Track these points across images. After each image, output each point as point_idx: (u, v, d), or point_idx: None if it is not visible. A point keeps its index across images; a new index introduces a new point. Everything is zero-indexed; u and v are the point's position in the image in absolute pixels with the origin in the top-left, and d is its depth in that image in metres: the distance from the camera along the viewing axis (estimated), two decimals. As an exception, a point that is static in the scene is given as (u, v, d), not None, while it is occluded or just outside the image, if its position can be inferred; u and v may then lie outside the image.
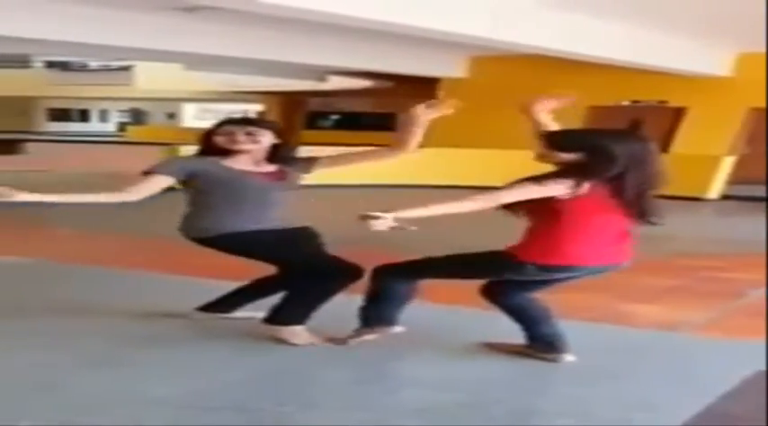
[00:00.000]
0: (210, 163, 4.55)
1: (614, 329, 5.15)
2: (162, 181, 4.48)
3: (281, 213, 4.59)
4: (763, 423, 3.58)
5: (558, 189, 3.89)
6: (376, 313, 4.41)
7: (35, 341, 4.50)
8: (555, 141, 4.11)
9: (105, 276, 6.39)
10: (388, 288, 4.35)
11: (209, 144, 4.60)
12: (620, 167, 3.90)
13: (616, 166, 3.89)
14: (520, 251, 4.06)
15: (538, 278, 4.15)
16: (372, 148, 5.06)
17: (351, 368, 4.17)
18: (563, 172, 3.96)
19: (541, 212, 3.98)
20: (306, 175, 4.76)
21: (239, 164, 4.54)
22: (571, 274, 4.15)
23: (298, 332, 4.50)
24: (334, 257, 4.57)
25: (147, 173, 4.49)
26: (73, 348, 4.39)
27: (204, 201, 4.55)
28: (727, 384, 3.98)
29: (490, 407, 3.66)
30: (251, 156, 4.56)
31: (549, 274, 4.12)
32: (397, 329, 4.47)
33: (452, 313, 5.28)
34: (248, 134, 4.53)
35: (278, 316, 4.55)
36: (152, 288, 5.95)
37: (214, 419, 3.46)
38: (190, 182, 4.55)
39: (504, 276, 4.24)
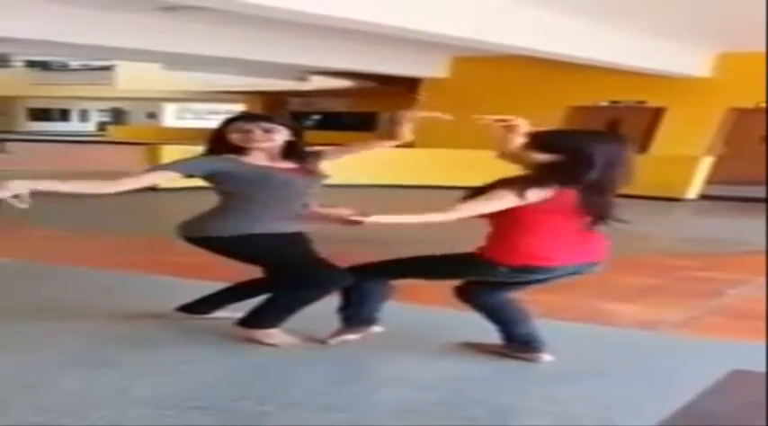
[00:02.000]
0: (227, 160, 4.45)
1: (593, 328, 5.17)
2: (166, 175, 4.51)
3: (307, 209, 4.45)
4: (740, 422, 3.62)
5: (539, 195, 3.88)
6: (355, 313, 4.43)
7: (16, 342, 4.49)
8: (540, 141, 4.02)
9: (86, 276, 6.38)
10: (364, 288, 4.37)
11: (222, 141, 4.50)
12: (597, 170, 3.88)
13: (595, 170, 3.87)
14: (491, 252, 4.06)
15: (510, 280, 4.17)
16: (367, 139, 5.09)
17: (331, 367, 4.18)
18: (540, 176, 3.92)
19: (505, 214, 3.94)
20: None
21: (257, 161, 4.48)
22: (545, 275, 4.15)
23: (271, 334, 4.50)
24: (325, 262, 4.52)
25: (156, 169, 4.55)
26: (54, 348, 4.39)
27: (226, 201, 4.51)
28: (705, 383, 4.01)
29: (469, 407, 3.68)
30: (267, 154, 4.50)
31: (521, 276, 4.12)
32: (377, 329, 4.49)
33: (431, 313, 5.30)
34: (265, 131, 4.48)
35: (252, 320, 4.54)
36: (133, 288, 5.93)
37: (195, 418, 3.46)
38: (209, 180, 4.50)
39: (477, 277, 4.26)
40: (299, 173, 4.53)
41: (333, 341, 4.45)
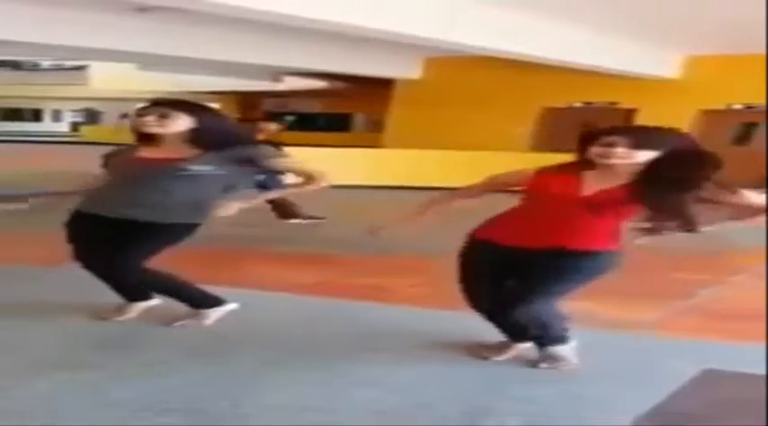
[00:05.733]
0: (113, 156, 4.69)
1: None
2: None
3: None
4: (712, 421, 3.65)
5: None
6: None
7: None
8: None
9: (56, 276, 6.34)
10: None
11: (134, 131, 4.64)
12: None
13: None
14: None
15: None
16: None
17: (305, 369, 4.19)
18: None
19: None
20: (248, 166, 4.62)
21: (149, 150, 4.52)
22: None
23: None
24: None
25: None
26: (25, 350, 4.37)
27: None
28: (677, 382, 4.05)
29: (443, 407, 3.70)
30: (165, 141, 4.51)
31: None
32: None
33: (407, 313, 5.32)
34: (161, 117, 4.47)
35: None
36: (103, 289, 5.90)
37: (169, 420, 3.46)
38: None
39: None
40: (164, 162, 4.49)
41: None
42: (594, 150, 3.86)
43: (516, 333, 4.34)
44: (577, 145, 3.99)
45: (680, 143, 3.93)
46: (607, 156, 3.82)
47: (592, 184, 3.90)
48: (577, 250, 3.95)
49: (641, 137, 3.87)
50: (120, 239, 4.52)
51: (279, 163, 4.68)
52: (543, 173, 4.04)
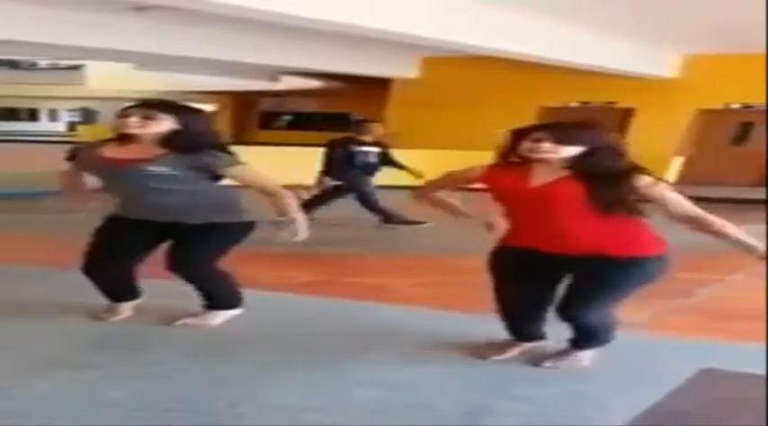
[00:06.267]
0: (86, 152, 4.75)
1: (563, 327, 5.19)
2: None
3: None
4: (709, 421, 3.66)
5: None
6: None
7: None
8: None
9: (56, 277, 6.33)
10: None
11: (116, 131, 4.63)
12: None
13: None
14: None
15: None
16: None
17: (304, 368, 4.19)
18: None
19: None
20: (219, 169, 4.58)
21: (124, 151, 4.53)
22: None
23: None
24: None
25: None
26: (24, 350, 4.36)
27: None
28: (674, 381, 4.05)
29: (443, 407, 3.70)
30: (138, 141, 4.51)
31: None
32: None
33: (407, 313, 5.32)
34: (144, 118, 4.45)
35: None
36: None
37: (168, 420, 3.46)
38: None
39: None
40: (139, 163, 4.48)
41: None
42: (525, 145, 4.04)
43: (527, 333, 4.43)
44: (509, 140, 4.16)
45: (602, 139, 4.09)
46: (535, 151, 3.99)
47: (537, 179, 4.03)
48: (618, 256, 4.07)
49: (565, 133, 4.04)
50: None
51: (235, 172, 4.59)
52: (494, 168, 4.19)
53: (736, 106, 18.77)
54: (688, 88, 18.17)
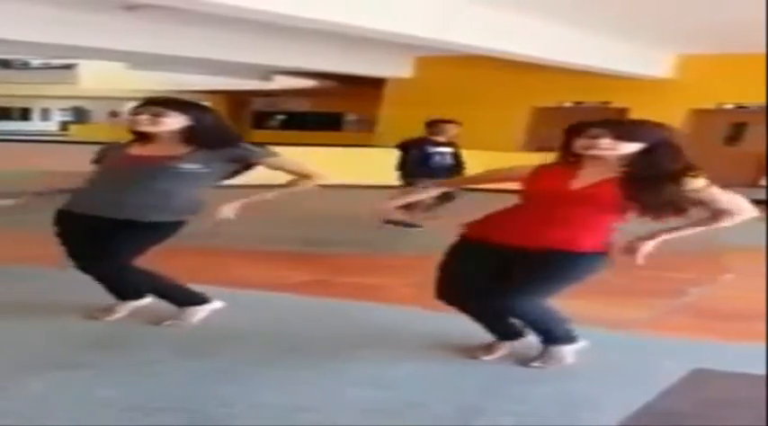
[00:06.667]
0: (105, 152, 4.72)
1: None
2: None
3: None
4: (702, 421, 3.66)
5: None
6: None
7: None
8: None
9: (49, 276, 6.31)
10: None
11: (131, 129, 4.63)
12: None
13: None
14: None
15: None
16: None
17: (298, 368, 4.18)
18: None
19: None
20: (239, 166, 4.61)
21: (141, 148, 4.53)
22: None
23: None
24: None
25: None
26: (18, 350, 4.35)
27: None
28: (667, 381, 4.05)
29: (437, 406, 3.69)
30: (159, 139, 4.52)
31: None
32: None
33: (401, 313, 5.31)
34: (154, 115, 4.47)
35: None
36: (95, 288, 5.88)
37: (160, 420, 3.45)
38: None
39: None
40: (154, 160, 4.49)
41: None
42: (580, 142, 3.90)
43: (501, 332, 4.39)
44: (563, 137, 4.03)
45: (663, 136, 3.95)
46: (592, 148, 3.86)
47: (582, 179, 3.92)
48: (568, 250, 3.95)
49: (625, 129, 3.93)
50: (106, 238, 4.50)
51: (272, 162, 4.65)
52: (541, 168, 4.07)
53: (729, 106, 18.79)
54: (682, 88, 18.20)
